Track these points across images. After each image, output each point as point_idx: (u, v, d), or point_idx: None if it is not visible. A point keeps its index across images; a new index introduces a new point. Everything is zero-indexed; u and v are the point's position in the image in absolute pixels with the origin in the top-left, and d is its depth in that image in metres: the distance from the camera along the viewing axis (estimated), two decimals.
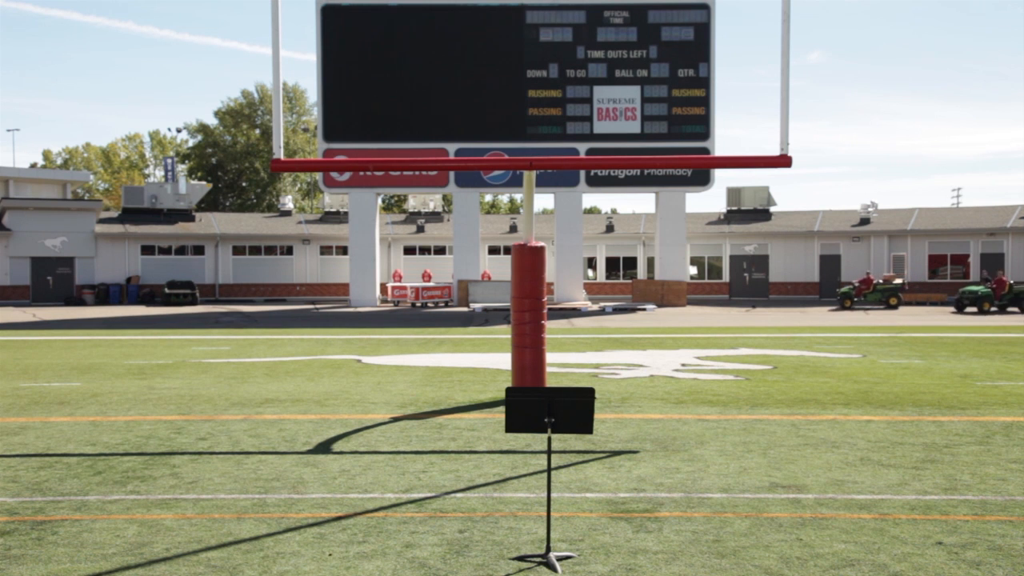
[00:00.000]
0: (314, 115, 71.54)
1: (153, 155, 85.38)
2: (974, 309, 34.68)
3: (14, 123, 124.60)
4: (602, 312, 37.02)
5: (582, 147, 39.39)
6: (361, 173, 40.31)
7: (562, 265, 41.19)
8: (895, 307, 37.25)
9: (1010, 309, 34.55)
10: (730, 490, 8.02)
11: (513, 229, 50.87)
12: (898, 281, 38.62)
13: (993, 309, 34.35)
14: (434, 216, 52.01)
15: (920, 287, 46.51)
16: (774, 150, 12.20)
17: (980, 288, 34.43)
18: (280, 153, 11.92)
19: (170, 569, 6.10)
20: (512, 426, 6.40)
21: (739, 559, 6.24)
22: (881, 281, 38.60)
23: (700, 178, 41.00)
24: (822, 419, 11.52)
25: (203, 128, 78.86)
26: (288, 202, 54.31)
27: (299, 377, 15.88)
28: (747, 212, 50.15)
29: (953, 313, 34.12)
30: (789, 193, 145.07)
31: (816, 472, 8.68)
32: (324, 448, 9.90)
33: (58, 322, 31.89)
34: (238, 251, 48.98)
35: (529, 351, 12.68)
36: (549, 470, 6.55)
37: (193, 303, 43.85)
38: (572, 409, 6.32)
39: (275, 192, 77.43)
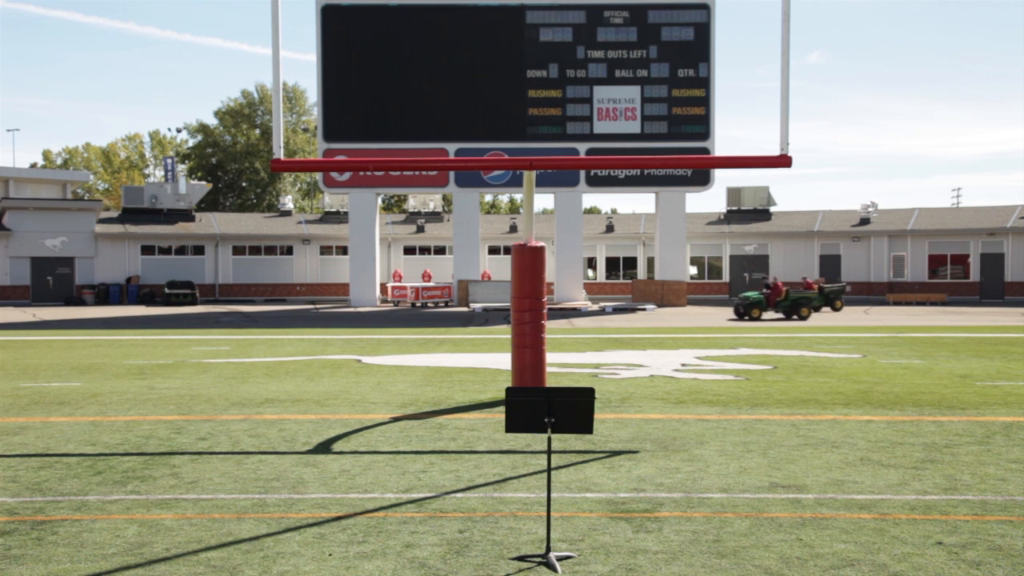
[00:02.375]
0: (314, 115, 71.58)
1: (153, 155, 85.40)
2: (806, 312, 33.79)
3: (14, 123, 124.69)
4: (602, 312, 37.01)
5: (582, 147, 39.39)
6: (361, 173, 40.32)
7: (562, 265, 41.20)
8: (839, 310, 35.74)
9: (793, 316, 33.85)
10: (730, 490, 8.02)
11: (513, 229, 50.87)
12: (826, 285, 37.30)
13: (776, 315, 33.94)
14: (434, 216, 52.02)
15: (920, 287, 46.55)
16: (774, 150, 12.20)
17: (753, 294, 33.28)
18: (280, 153, 11.92)
19: (170, 569, 6.09)
20: (512, 426, 6.39)
21: (739, 559, 6.24)
22: (821, 285, 37.66)
23: (700, 178, 41.01)
24: (822, 419, 11.52)
25: (203, 128, 78.88)
26: (288, 202, 54.33)
27: (299, 377, 15.88)
28: (747, 212, 50.16)
29: (730, 320, 32.59)
30: (789, 193, 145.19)
31: (816, 472, 8.68)
32: (324, 448, 9.90)
33: (58, 322, 31.90)
34: (238, 251, 49.00)
35: (529, 351, 12.67)
36: (549, 470, 6.54)
37: (193, 303, 43.87)
38: (572, 409, 6.31)
39: (275, 192, 77.44)
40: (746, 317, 32.81)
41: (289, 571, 6.04)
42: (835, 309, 35.38)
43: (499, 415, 11.61)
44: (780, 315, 33.68)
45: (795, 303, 32.51)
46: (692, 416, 11.74)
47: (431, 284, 43.20)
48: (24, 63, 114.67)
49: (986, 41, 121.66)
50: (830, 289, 35.13)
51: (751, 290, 35.72)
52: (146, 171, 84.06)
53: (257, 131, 77.74)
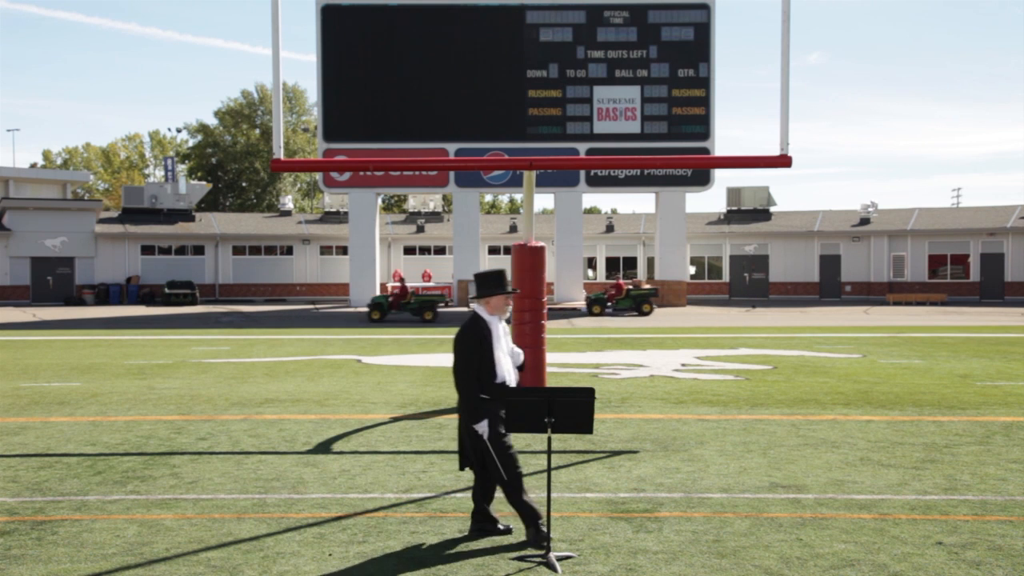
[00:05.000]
0: (314, 115, 71.57)
1: (153, 155, 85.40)
2: (598, 310, 35.73)
3: (14, 123, 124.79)
4: (602, 312, 36.98)
5: (582, 147, 39.38)
6: (361, 173, 40.31)
7: (562, 265, 41.18)
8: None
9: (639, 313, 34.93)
10: (730, 490, 8.02)
11: (513, 229, 50.87)
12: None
13: (608, 311, 35.38)
14: (434, 216, 52.02)
15: (920, 287, 46.55)
16: (774, 150, 12.19)
17: (596, 293, 35.47)
18: (280, 153, 11.92)
19: (170, 569, 6.09)
20: (512, 426, 6.39)
21: (739, 559, 6.24)
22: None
23: (700, 178, 41.01)
24: (822, 419, 11.52)
25: (203, 128, 78.87)
26: (288, 202, 54.32)
27: (299, 377, 15.88)
28: (747, 212, 50.16)
29: (582, 316, 34.78)
30: (789, 193, 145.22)
31: (816, 472, 8.68)
32: (324, 448, 9.89)
33: (58, 322, 31.90)
34: (238, 251, 48.99)
35: (529, 351, 12.66)
36: (549, 470, 6.53)
37: (193, 303, 43.87)
38: (572, 409, 6.31)
39: (275, 192, 77.44)
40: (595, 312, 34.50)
41: (289, 571, 6.04)
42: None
43: None
44: (412, 316, 33.34)
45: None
46: (692, 416, 11.73)
47: (431, 284, 43.19)
48: (24, 63, 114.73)
49: (986, 41, 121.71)
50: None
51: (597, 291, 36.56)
52: (146, 171, 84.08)
53: (257, 131, 77.72)
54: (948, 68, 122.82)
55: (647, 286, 36.17)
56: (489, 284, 6.73)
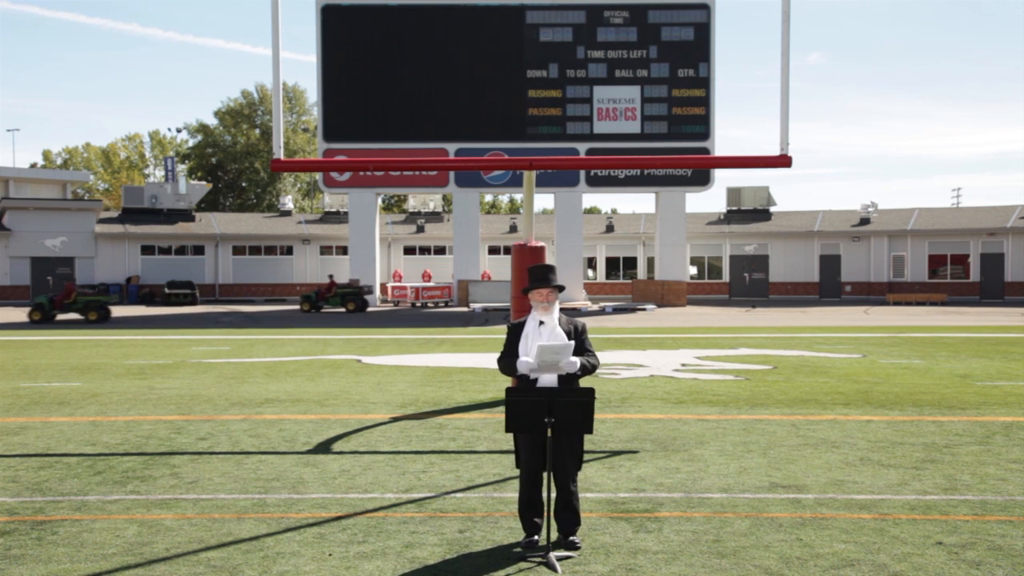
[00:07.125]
0: (314, 115, 71.55)
1: (153, 155, 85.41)
2: (307, 307, 37.17)
3: (14, 123, 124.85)
4: (602, 312, 37.01)
5: (582, 147, 39.37)
6: (361, 173, 40.32)
7: (562, 265, 41.17)
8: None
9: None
10: (730, 490, 8.01)
11: (513, 229, 50.87)
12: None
13: (321, 307, 36.72)
14: (434, 216, 52.02)
15: (920, 287, 46.56)
16: (774, 150, 12.18)
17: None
18: (280, 153, 11.91)
19: (170, 569, 6.09)
20: (512, 426, 6.39)
21: (739, 559, 6.24)
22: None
23: (700, 178, 41.01)
24: (822, 419, 11.51)
25: (203, 128, 78.86)
26: (288, 202, 54.33)
27: (299, 377, 15.87)
28: (747, 212, 50.17)
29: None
30: (789, 193, 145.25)
31: (816, 472, 8.67)
32: (324, 448, 9.89)
33: (58, 322, 31.88)
34: (238, 251, 49.00)
35: None
36: (549, 470, 6.53)
37: (193, 303, 43.87)
38: (572, 409, 6.31)
39: (275, 192, 77.43)
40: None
41: (289, 571, 6.03)
42: (88, 319, 31.50)
43: (499, 415, 11.60)
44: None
45: (86, 305, 31.48)
46: (692, 416, 11.73)
47: (431, 284, 43.19)
48: (24, 63, 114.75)
49: (986, 41, 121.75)
50: (86, 300, 32.02)
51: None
52: (146, 171, 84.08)
53: (257, 131, 77.72)
54: (948, 68, 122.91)
55: (359, 286, 38.15)
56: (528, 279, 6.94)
